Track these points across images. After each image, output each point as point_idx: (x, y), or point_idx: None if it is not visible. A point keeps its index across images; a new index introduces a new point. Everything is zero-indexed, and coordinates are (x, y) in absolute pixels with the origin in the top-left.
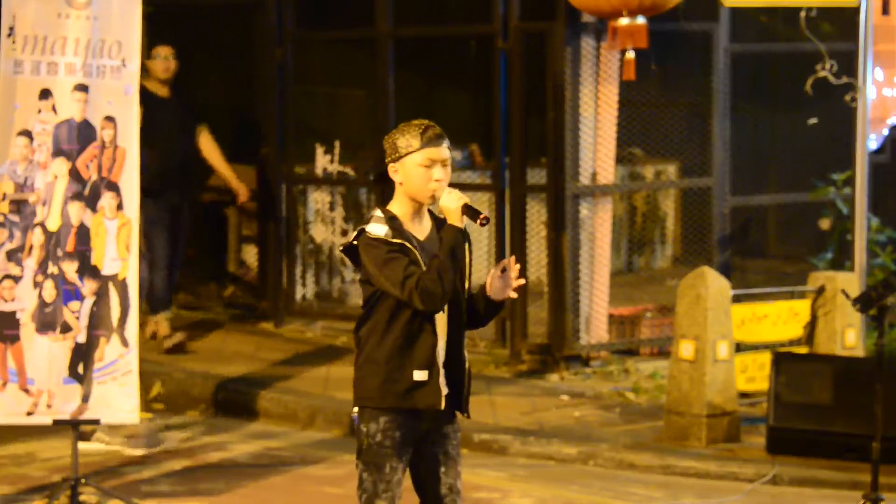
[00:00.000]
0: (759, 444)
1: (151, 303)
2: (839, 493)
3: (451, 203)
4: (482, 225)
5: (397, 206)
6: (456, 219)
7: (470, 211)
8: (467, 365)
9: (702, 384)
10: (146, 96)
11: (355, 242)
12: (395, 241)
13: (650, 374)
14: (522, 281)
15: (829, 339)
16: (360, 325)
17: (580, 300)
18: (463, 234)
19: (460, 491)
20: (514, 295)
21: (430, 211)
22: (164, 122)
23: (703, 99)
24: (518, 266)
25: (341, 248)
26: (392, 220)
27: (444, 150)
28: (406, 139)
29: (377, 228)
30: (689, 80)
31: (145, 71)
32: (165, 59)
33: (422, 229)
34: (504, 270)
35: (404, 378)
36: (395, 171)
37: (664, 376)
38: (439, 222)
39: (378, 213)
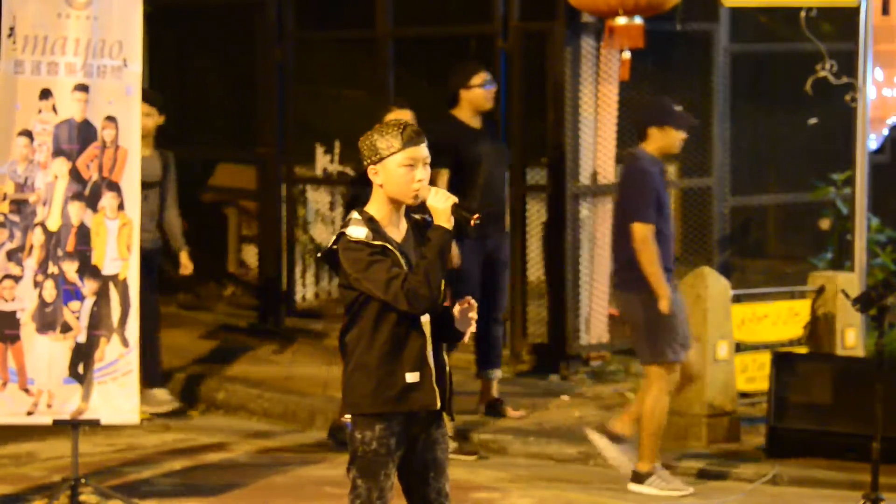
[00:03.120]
0: (759, 444)
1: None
2: (839, 493)
3: (440, 203)
4: (475, 225)
5: (375, 207)
6: (444, 219)
7: (460, 211)
8: (448, 367)
9: (702, 384)
10: (460, 129)
11: (335, 247)
12: (375, 242)
13: None
14: (472, 329)
15: (829, 339)
16: (346, 332)
17: (580, 300)
18: (451, 235)
19: (448, 494)
20: (468, 330)
21: (406, 212)
22: (481, 157)
23: (702, 99)
24: (474, 312)
25: (319, 255)
26: (370, 222)
27: (424, 149)
28: (386, 140)
29: (357, 231)
30: (690, 80)
31: (457, 101)
32: (488, 88)
33: (399, 231)
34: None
35: (397, 381)
36: (375, 174)
37: None
38: (415, 223)
39: (356, 215)
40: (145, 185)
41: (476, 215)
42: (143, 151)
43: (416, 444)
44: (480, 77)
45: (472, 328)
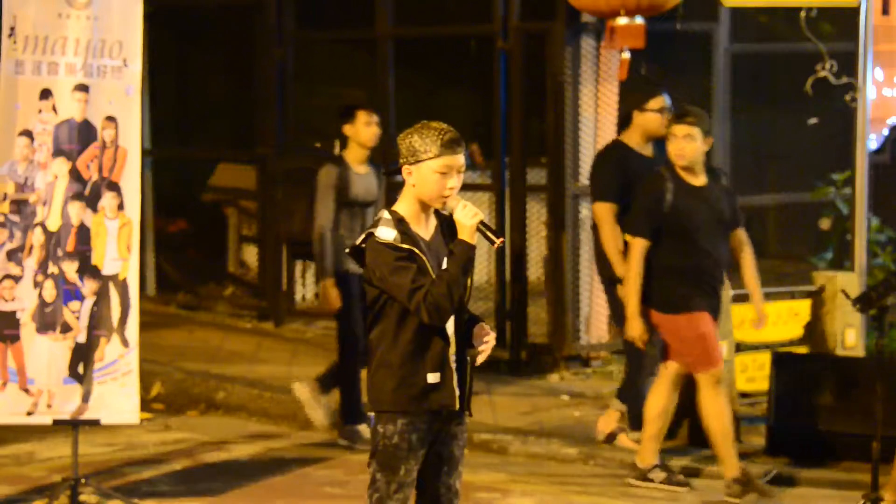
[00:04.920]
0: (759, 444)
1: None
2: (839, 493)
3: (466, 220)
4: (498, 248)
5: (404, 206)
6: (468, 234)
7: (485, 230)
8: (470, 365)
9: None
10: (628, 156)
11: (363, 245)
12: (403, 246)
13: None
14: (482, 359)
15: (829, 339)
16: (370, 329)
17: (580, 300)
18: (474, 251)
19: (458, 492)
20: (480, 355)
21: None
22: None
23: (702, 99)
24: (489, 342)
25: (347, 251)
26: (400, 223)
27: (461, 157)
28: (425, 143)
29: (386, 232)
30: (690, 80)
31: (628, 123)
32: (664, 112)
33: (427, 229)
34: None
35: (418, 381)
36: (409, 174)
37: None
38: (443, 219)
39: (386, 215)
40: (363, 205)
41: (500, 238)
42: (360, 168)
43: (435, 440)
44: (658, 102)
45: (483, 356)
